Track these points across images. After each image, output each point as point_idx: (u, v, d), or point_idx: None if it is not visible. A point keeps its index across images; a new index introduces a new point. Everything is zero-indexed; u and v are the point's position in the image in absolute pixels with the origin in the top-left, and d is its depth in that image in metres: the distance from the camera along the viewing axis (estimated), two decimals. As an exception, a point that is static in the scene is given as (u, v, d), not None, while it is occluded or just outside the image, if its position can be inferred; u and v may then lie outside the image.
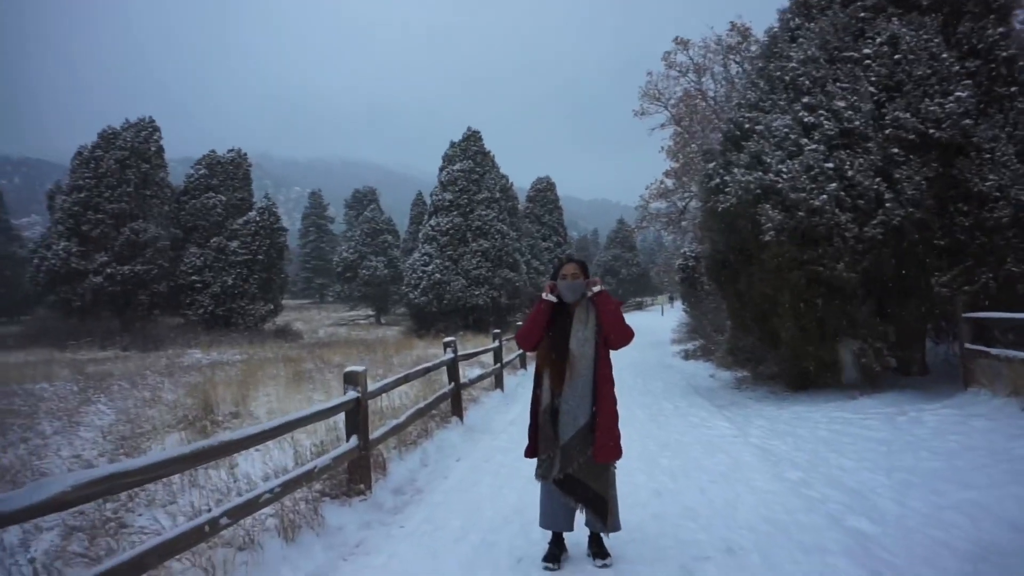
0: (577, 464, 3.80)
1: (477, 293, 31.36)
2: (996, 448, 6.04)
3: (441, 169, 34.32)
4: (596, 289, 3.92)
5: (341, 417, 5.65)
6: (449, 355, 8.60)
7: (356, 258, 50.89)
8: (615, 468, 4.02)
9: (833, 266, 8.62)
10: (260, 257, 30.56)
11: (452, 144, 34.70)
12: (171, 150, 32.28)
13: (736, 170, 9.75)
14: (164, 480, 5.31)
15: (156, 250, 28.85)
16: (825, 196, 8.53)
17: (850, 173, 8.57)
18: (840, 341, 9.43)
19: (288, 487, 4.27)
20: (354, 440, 5.38)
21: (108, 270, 27.61)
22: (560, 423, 3.80)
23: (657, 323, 38.18)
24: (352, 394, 5.39)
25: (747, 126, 10.02)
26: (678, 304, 61.57)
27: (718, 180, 10.21)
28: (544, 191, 44.87)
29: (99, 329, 26.50)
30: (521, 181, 44.09)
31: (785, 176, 8.83)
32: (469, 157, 33.77)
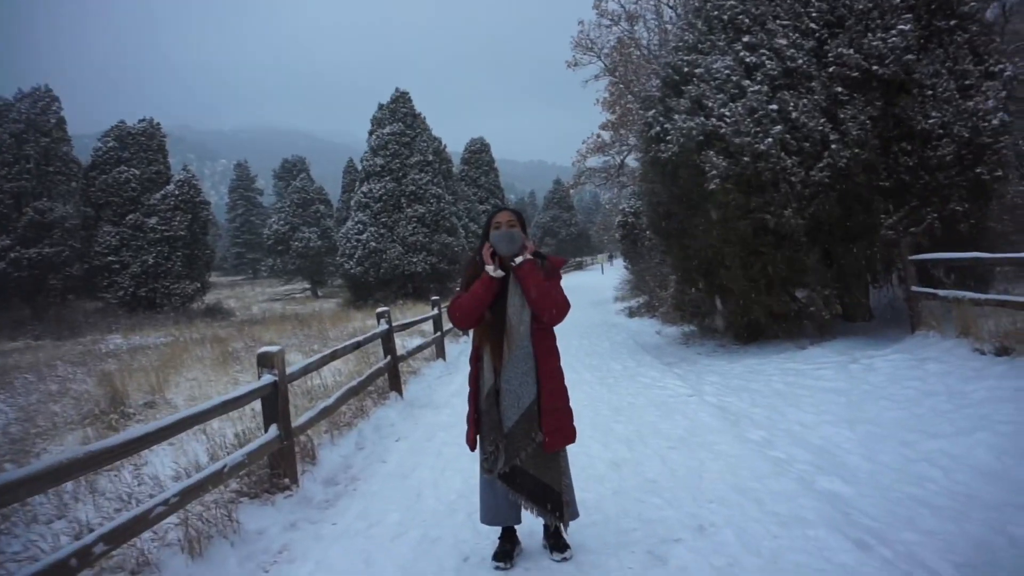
0: (524, 453, 3.27)
1: (415, 260, 30.52)
2: (954, 391, 5.85)
3: (370, 133, 33.00)
4: (518, 261, 3.24)
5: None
6: (383, 326, 7.97)
7: (287, 230, 49.07)
8: (565, 452, 3.50)
9: (780, 213, 8.32)
10: (182, 233, 28.82)
11: (380, 106, 33.35)
12: (79, 125, 29.96)
13: (677, 116, 9.31)
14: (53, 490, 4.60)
15: (65, 230, 26.82)
16: (770, 140, 8.17)
17: (794, 115, 8.22)
18: (789, 290, 9.23)
19: (190, 493, 3.63)
20: (274, 430, 4.75)
21: (12, 255, 25.53)
22: (502, 406, 3.25)
23: (598, 281, 38.20)
24: (268, 378, 4.74)
25: (686, 70, 9.55)
26: (618, 262, 62.12)
27: (658, 128, 9.76)
28: (479, 153, 43.94)
29: (7, 319, 24.58)
30: (455, 145, 42.93)
31: (728, 120, 8.43)
32: (399, 119, 32.55)
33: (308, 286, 50.95)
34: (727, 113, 8.52)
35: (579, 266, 71.25)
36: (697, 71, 9.33)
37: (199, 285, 30.01)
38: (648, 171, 10.64)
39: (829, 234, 8.74)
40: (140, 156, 29.19)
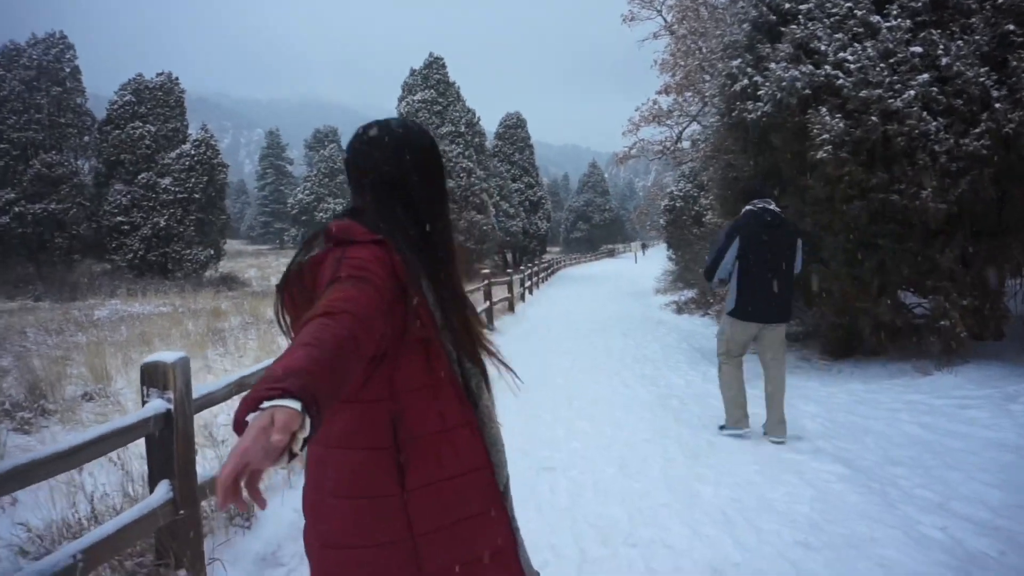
0: None
1: (440, 237, 28.60)
2: None
3: (400, 100, 31.06)
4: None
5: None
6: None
7: (313, 200, 47.61)
8: None
9: (915, 193, 6.21)
10: (197, 196, 27.24)
11: (412, 72, 31.38)
12: (102, 84, 28.41)
13: (772, 66, 7.21)
14: None
15: (73, 186, 25.40)
16: (910, 93, 6.06)
17: (945, 61, 6.09)
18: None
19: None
20: (164, 490, 2.89)
21: (16, 208, 24.18)
22: None
23: (634, 271, 36.09)
24: (158, 405, 2.86)
25: (787, 6, 7.44)
26: (652, 251, 59.68)
27: (745, 81, 7.67)
28: (514, 128, 41.75)
29: (9, 276, 23.28)
30: (489, 124, 40.77)
31: (853, 67, 6.32)
32: (431, 86, 30.57)
33: (331, 259, 49.46)
34: (849, 58, 6.42)
35: (611, 253, 69.05)
36: (803, 7, 7.21)
37: (212, 252, 28.48)
38: (726, 136, 8.57)
39: (973, 225, 6.63)
40: (156, 112, 27.61)
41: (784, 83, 6.95)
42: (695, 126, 13.74)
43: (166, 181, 26.90)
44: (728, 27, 8.94)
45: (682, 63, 11.42)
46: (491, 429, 1.43)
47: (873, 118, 6.18)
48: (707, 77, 10.96)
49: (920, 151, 6.18)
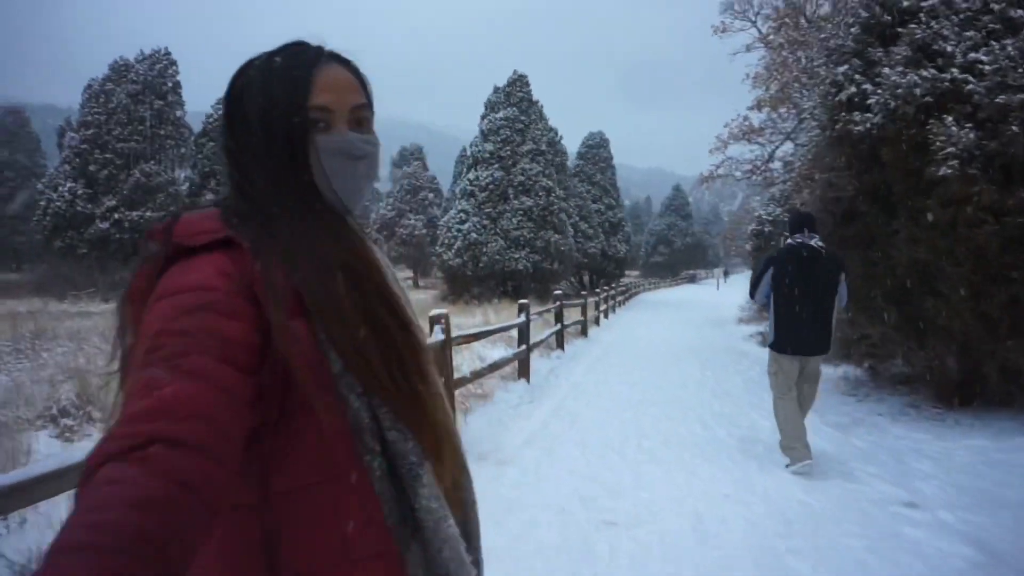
0: None
1: (517, 256, 28.23)
2: None
3: (483, 117, 31.01)
4: None
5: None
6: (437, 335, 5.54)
7: (394, 215, 48.32)
8: None
9: (1063, 218, 5.24)
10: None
11: (496, 89, 31.30)
12: (205, 99, 29.64)
13: (886, 71, 6.37)
14: None
15: (169, 195, 26.46)
16: (1061, 100, 5.12)
17: (1106, 62, 5.13)
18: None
19: None
20: None
21: (116, 215, 25.39)
22: None
23: (715, 298, 34.68)
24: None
25: (905, 3, 6.58)
26: (734, 278, 57.49)
27: (852, 90, 6.83)
28: (596, 148, 41.10)
29: (105, 280, 24.37)
30: (571, 145, 40.20)
31: (988, 67, 5.43)
32: (514, 104, 30.38)
33: (411, 275, 50.02)
34: (983, 59, 5.52)
35: (692, 279, 67.14)
36: (925, 3, 6.34)
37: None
38: (829, 151, 7.71)
39: None
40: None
41: (900, 89, 6.10)
42: (788, 145, 12.77)
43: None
44: (832, 32, 8.09)
45: (777, 76, 10.55)
46: (439, 552, 0.81)
47: (1013, 127, 5.26)
48: (805, 91, 10.06)
49: (1070, 168, 5.20)
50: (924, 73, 5.99)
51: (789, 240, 5.25)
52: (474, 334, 6.25)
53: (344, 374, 0.77)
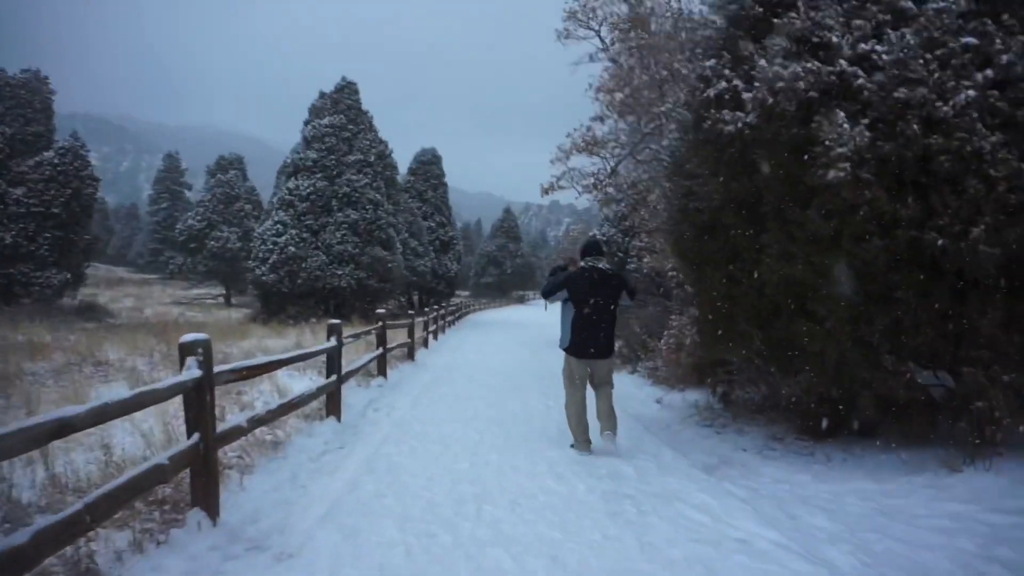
0: None
1: (340, 273, 26.03)
2: None
3: (306, 123, 28.62)
4: None
5: None
6: (190, 373, 3.71)
7: (204, 226, 43.73)
8: None
9: (962, 232, 4.60)
10: (56, 211, 23.47)
11: (322, 94, 29.09)
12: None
13: (762, 63, 5.59)
14: None
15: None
16: (964, 97, 4.48)
17: (1005, 58, 4.57)
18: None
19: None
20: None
21: None
22: None
23: (544, 318, 34.44)
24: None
25: (781, -9, 5.88)
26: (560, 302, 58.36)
27: (723, 85, 6.02)
28: (428, 164, 39.85)
29: None
30: (402, 159, 38.44)
31: (886, 58, 4.72)
32: (341, 112, 28.33)
33: (224, 292, 45.35)
34: (880, 50, 4.82)
35: (521, 300, 67.89)
36: (804, -10, 5.65)
37: (69, 276, 24.62)
38: (689, 158, 6.88)
39: (1016, 279, 5.09)
40: (15, 112, 23.95)
41: (782, 83, 5.31)
42: (629, 162, 12.21)
43: (19, 191, 23.12)
44: (700, 22, 7.35)
45: (627, 82, 9.82)
46: None
47: (914, 126, 4.55)
48: (661, 91, 9.38)
49: (971, 175, 4.58)
50: (808, 65, 5.24)
51: (581, 263, 6.39)
52: (255, 365, 4.46)
53: None
